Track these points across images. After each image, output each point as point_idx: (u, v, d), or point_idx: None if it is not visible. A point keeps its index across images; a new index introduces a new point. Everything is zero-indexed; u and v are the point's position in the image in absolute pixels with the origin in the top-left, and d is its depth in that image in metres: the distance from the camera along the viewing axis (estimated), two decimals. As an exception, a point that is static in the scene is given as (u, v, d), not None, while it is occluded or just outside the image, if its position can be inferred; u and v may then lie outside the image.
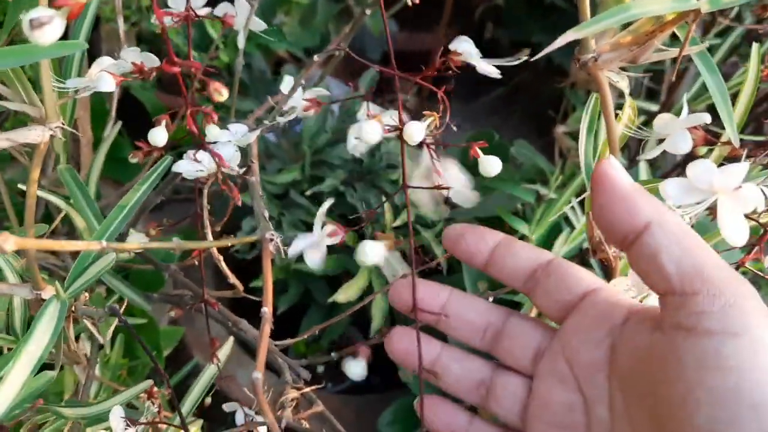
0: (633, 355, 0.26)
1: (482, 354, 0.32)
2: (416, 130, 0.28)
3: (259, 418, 0.45)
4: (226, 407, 0.46)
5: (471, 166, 0.33)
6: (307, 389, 0.48)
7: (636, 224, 0.25)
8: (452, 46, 0.30)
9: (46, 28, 0.19)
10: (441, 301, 0.31)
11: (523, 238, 0.88)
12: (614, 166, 0.26)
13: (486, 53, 0.30)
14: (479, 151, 0.30)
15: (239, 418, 0.45)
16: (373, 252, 0.30)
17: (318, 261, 0.32)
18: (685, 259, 0.24)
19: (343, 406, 0.96)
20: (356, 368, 0.31)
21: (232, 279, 0.45)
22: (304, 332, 1.05)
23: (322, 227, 0.33)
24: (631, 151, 0.87)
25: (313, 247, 0.32)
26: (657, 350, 0.25)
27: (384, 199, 0.89)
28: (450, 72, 0.30)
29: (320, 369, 1.08)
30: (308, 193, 0.86)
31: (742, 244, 0.28)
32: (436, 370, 0.30)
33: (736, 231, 0.29)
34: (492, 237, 0.30)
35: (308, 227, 1.00)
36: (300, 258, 0.64)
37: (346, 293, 0.86)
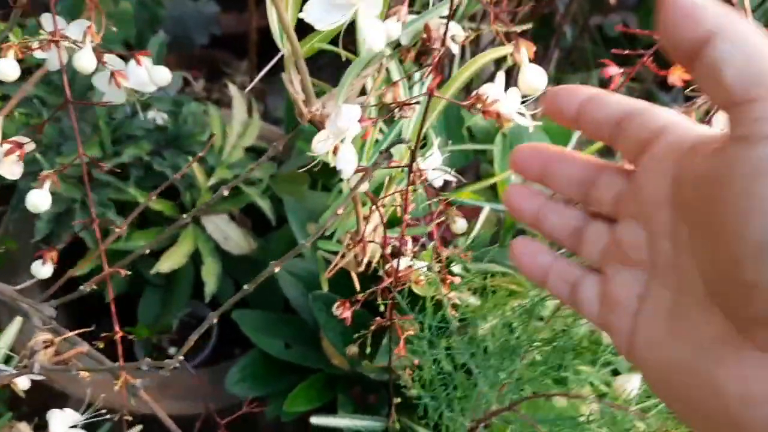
0: (694, 181, 0.25)
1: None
2: None
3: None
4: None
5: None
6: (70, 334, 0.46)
7: (698, 37, 0.23)
8: None
9: None
10: (542, 161, 0.32)
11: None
12: None
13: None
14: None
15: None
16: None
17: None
18: (747, 66, 0.23)
19: (197, 381, 0.93)
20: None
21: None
22: (143, 318, 1.02)
23: None
24: None
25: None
26: (716, 170, 0.24)
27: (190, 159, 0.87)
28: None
29: (171, 350, 1.05)
30: (110, 165, 0.82)
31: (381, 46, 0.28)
32: (538, 218, 0.32)
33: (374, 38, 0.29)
34: (583, 91, 0.30)
35: (118, 205, 0.95)
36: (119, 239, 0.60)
37: (170, 260, 0.83)
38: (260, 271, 0.50)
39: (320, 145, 0.37)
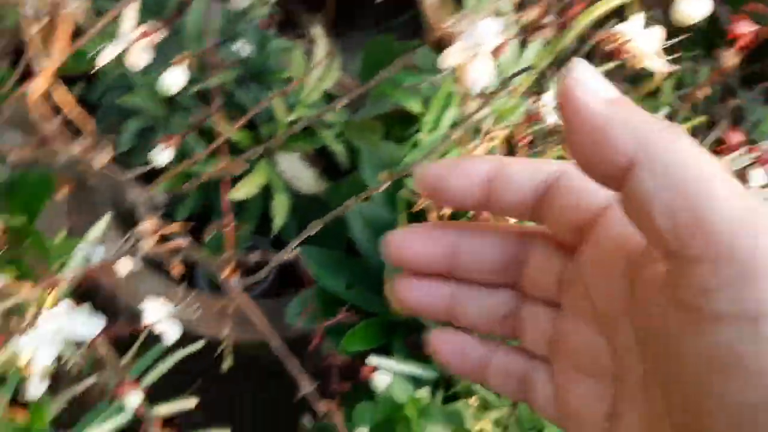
0: (649, 304, 0.20)
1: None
2: None
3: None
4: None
5: None
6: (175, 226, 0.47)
7: (617, 165, 0.18)
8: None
9: None
10: (448, 250, 0.25)
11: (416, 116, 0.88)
12: (579, 83, 0.19)
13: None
14: None
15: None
16: None
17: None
18: (680, 206, 0.17)
19: (257, 311, 0.95)
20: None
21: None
22: (208, 245, 1.04)
23: None
24: None
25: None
26: (667, 321, 0.19)
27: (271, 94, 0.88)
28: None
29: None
30: (195, 89, 0.84)
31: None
32: (450, 312, 0.26)
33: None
34: (480, 165, 0.23)
35: (198, 130, 0.97)
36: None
37: (244, 189, 0.84)
38: (327, 213, 0.50)
39: (450, 59, 0.37)
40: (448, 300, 0.25)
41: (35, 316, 0.40)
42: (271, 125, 0.93)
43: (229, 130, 0.85)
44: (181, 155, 0.90)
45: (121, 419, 0.71)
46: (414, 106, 0.80)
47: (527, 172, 0.23)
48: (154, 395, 0.73)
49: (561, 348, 0.24)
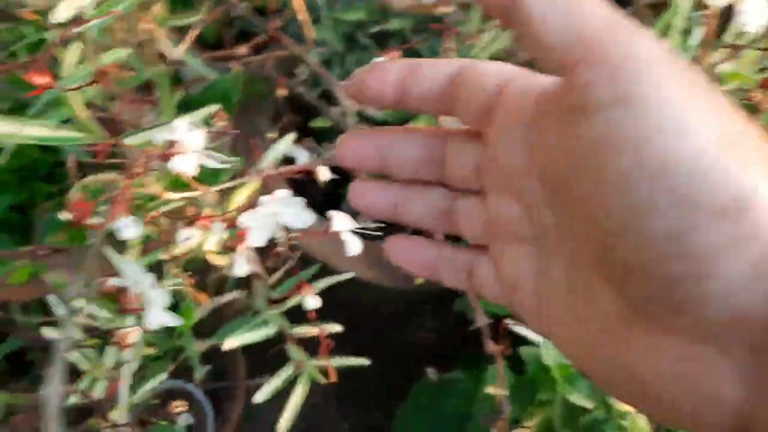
0: (548, 153, 0.22)
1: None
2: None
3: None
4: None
5: None
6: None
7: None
8: None
9: None
10: (378, 151, 0.28)
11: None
12: None
13: None
14: None
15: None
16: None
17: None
18: (563, 23, 0.20)
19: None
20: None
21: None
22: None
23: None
24: None
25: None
26: (563, 143, 0.21)
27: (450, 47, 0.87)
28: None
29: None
30: (374, 30, 0.84)
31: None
32: (398, 212, 0.29)
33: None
34: (394, 66, 0.26)
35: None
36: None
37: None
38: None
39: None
40: (392, 200, 0.28)
41: (251, 200, 0.41)
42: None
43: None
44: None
45: (263, 332, 0.74)
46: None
47: (435, 68, 0.25)
48: (298, 317, 0.76)
49: (491, 228, 0.27)
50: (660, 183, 0.18)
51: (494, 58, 1.10)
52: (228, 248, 0.62)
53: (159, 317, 0.34)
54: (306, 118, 0.80)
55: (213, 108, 0.41)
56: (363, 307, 1.17)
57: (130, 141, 0.36)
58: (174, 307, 0.50)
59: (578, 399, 0.59)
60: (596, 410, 0.60)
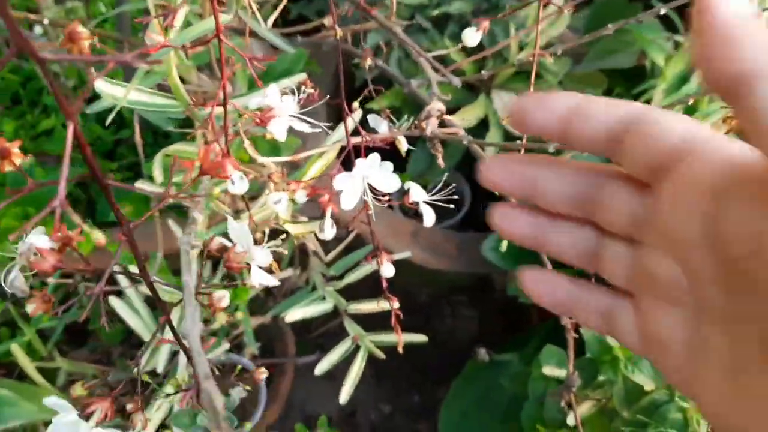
0: (733, 228, 0.21)
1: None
2: None
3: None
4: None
5: None
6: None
7: (735, 73, 0.19)
8: None
9: None
10: (526, 179, 0.27)
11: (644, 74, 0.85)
12: None
13: None
14: None
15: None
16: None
17: None
18: None
19: (445, 240, 0.97)
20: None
21: None
22: (411, 170, 1.06)
23: None
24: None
25: None
26: (755, 223, 0.19)
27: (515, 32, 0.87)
28: None
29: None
30: (434, 13, 0.85)
31: None
32: (539, 242, 0.28)
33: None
34: (563, 100, 0.25)
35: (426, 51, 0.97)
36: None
37: (463, 115, 0.85)
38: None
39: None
40: (538, 230, 0.27)
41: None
42: (497, 61, 0.93)
43: (461, 59, 0.86)
44: (407, 74, 0.92)
45: (322, 307, 0.76)
46: (658, 58, 0.76)
47: (606, 109, 0.24)
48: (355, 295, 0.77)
49: (642, 281, 0.25)
50: None
51: (549, 45, 1.10)
52: (294, 218, 0.63)
53: (261, 277, 0.36)
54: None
55: (301, 76, 0.42)
56: (404, 289, 1.18)
57: (229, 107, 0.37)
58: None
59: (640, 379, 0.59)
60: (657, 391, 0.60)
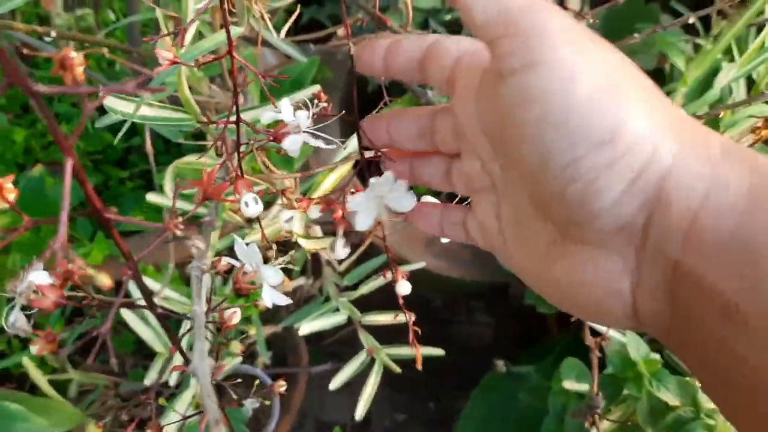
0: (486, 110, 0.28)
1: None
2: None
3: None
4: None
5: None
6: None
7: None
8: None
9: None
10: (386, 127, 0.33)
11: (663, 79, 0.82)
12: None
13: None
14: None
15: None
16: None
17: None
18: (491, 5, 0.24)
19: (460, 248, 0.95)
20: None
21: None
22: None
23: None
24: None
25: None
26: (493, 103, 0.26)
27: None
28: None
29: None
30: (447, 18, 0.83)
31: None
32: (414, 175, 0.34)
33: None
34: (381, 43, 0.31)
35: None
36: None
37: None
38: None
39: None
40: (409, 167, 0.34)
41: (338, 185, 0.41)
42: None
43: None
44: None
45: (335, 319, 0.74)
46: (679, 61, 0.74)
47: (412, 44, 0.30)
48: (369, 302, 0.75)
49: (467, 184, 0.32)
50: (559, 128, 0.23)
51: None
52: (307, 232, 0.62)
53: (272, 295, 0.34)
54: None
55: (314, 88, 0.41)
56: (419, 295, 1.17)
57: (244, 118, 0.35)
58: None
59: (666, 396, 0.57)
60: (683, 408, 0.58)
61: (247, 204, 0.29)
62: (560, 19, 0.24)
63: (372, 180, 0.37)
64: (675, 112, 0.24)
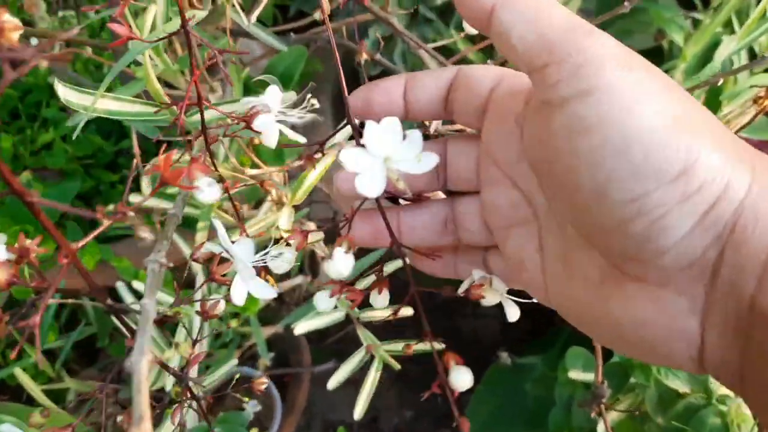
0: (531, 139, 0.26)
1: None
2: None
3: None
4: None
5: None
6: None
7: (484, 6, 0.24)
8: None
9: None
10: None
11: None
12: None
13: None
14: None
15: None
16: None
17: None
18: (529, 32, 0.23)
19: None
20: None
21: None
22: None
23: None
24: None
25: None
26: (541, 132, 0.25)
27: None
28: None
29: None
30: (439, 3, 0.81)
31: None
32: (402, 237, 0.30)
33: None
34: (396, 82, 0.29)
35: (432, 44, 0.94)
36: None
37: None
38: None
39: None
40: (396, 227, 0.30)
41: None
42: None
43: (467, 47, 0.82)
44: (412, 68, 0.88)
45: (332, 317, 0.72)
46: (677, 37, 0.72)
47: (433, 78, 0.29)
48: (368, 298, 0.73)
49: (492, 217, 0.29)
50: (619, 158, 0.22)
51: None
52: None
53: (250, 289, 0.32)
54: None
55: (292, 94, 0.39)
56: (424, 292, 1.15)
57: (222, 110, 0.33)
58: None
59: (675, 383, 0.55)
60: (694, 394, 0.56)
61: (202, 189, 0.27)
62: (609, 42, 0.23)
63: (368, 127, 0.26)
64: (742, 144, 0.23)
